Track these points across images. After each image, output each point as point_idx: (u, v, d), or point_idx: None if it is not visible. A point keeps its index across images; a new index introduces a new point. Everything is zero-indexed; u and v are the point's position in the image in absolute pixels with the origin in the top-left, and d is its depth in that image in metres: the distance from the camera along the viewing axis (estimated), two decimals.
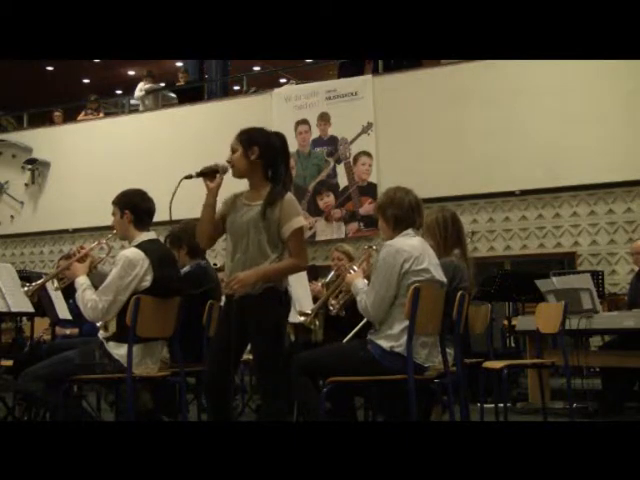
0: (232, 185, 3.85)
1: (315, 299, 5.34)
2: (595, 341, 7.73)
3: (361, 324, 4.61)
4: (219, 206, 3.82)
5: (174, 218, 4.38)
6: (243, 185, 3.86)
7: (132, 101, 14.50)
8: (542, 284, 6.53)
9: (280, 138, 3.84)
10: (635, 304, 6.71)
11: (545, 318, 5.50)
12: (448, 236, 4.72)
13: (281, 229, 3.66)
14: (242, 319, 3.67)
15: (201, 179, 3.76)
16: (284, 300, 3.76)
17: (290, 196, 3.74)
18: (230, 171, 3.76)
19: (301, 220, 3.71)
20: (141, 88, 13.94)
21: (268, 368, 3.69)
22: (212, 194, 3.74)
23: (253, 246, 3.67)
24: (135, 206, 4.30)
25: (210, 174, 3.74)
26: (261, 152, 3.73)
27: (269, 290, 3.66)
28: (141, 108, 14.03)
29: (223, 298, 4.06)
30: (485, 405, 5.23)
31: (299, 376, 3.96)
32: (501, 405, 5.22)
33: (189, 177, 3.71)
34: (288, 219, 3.66)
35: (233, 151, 3.77)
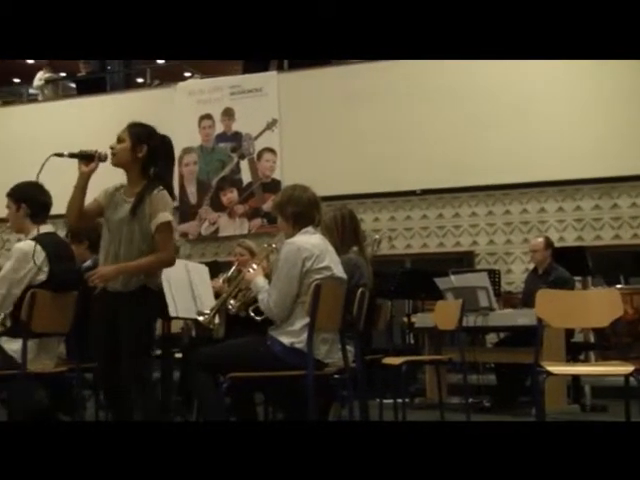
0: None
1: (217, 295, 5.31)
2: (491, 338, 7.93)
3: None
4: (98, 193, 3.85)
5: None
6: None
7: (31, 90, 14.13)
8: (441, 282, 6.66)
9: (167, 143, 3.87)
10: (529, 301, 6.90)
11: (443, 315, 5.61)
12: (345, 234, 4.78)
13: (150, 224, 3.69)
14: (113, 315, 3.71)
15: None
16: (156, 299, 3.87)
17: (160, 192, 3.75)
18: (109, 159, 3.76)
19: (167, 215, 3.73)
20: (40, 77, 13.60)
21: (136, 365, 3.70)
22: (83, 178, 3.73)
23: (126, 241, 3.71)
24: (31, 199, 4.20)
25: (85, 158, 3.73)
26: (148, 152, 3.77)
27: (142, 289, 3.71)
28: (40, 98, 13.67)
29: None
30: (384, 400, 5.31)
31: (198, 372, 3.95)
32: (400, 401, 5.30)
33: (59, 155, 3.69)
34: (155, 214, 3.69)
35: (119, 140, 3.77)
